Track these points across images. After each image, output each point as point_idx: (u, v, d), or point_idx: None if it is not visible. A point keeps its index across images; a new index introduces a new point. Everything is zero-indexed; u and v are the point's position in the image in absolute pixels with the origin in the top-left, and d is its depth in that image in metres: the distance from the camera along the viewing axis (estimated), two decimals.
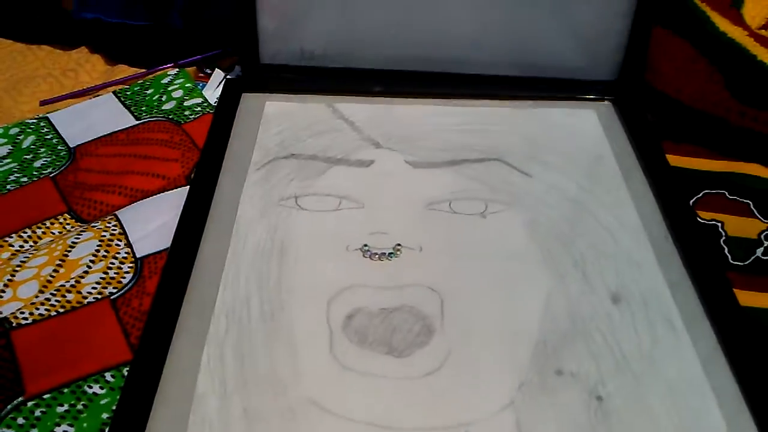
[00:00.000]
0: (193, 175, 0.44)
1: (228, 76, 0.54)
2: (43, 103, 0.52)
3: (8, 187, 0.44)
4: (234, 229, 0.40)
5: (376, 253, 0.39)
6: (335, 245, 0.40)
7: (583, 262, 0.39)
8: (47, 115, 0.49)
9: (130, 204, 0.42)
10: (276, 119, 0.49)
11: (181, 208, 0.39)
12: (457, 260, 0.39)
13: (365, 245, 0.39)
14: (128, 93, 0.52)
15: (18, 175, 0.44)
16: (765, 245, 0.40)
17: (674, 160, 0.46)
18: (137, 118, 0.49)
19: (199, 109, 0.50)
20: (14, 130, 0.48)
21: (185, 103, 0.51)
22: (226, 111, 0.49)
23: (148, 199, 0.43)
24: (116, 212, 0.41)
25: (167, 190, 0.43)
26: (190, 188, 0.42)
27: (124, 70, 0.55)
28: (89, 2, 0.57)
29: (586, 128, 0.49)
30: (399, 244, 0.40)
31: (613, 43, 0.51)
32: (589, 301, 0.37)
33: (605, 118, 0.50)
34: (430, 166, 0.45)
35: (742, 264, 0.40)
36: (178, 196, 0.42)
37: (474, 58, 0.52)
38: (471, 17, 0.51)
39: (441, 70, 0.52)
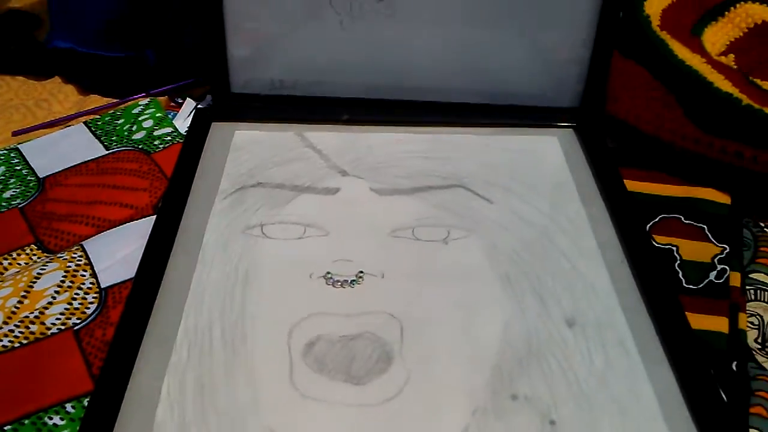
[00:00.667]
0: (160, 205, 0.45)
1: (199, 106, 0.55)
2: (16, 133, 0.52)
3: None
4: (199, 258, 0.41)
5: (339, 281, 0.40)
6: (299, 273, 0.40)
7: (541, 286, 0.40)
8: (17, 145, 0.50)
9: (97, 234, 0.43)
10: (245, 148, 0.50)
11: (143, 241, 0.40)
12: (418, 286, 0.40)
13: (328, 273, 0.40)
14: (99, 123, 0.52)
15: None
16: (718, 269, 0.41)
17: (633, 185, 0.47)
18: (107, 148, 0.50)
19: (168, 138, 0.51)
20: None
21: (155, 133, 0.51)
22: (195, 140, 0.50)
23: (114, 228, 0.43)
24: (82, 242, 0.42)
25: (134, 220, 0.44)
26: (156, 217, 0.42)
27: (97, 100, 0.56)
28: (62, 32, 0.58)
29: (548, 154, 0.50)
30: (362, 271, 0.40)
31: (575, 70, 0.53)
32: (545, 326, 0.37)
33: (567, 144, 0.51)
34: (394, 193, 0.46)
35: (695, 287, 0.41)
36: (146, 225, 0.43)
37: (439, 86, 0.53)
38: (436, 46, 0.52)
39: (407, 98, 0.54)
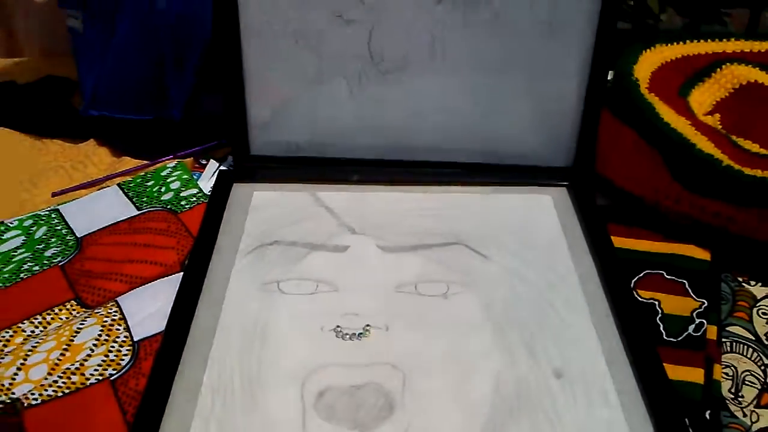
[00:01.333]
0: (186, 262, 0.49)
1: (221, 167, 0.60)
2: (55, 194, 0.58)
3: (21, 275, 0.49)
4: (222, 312, 0.45)
5: (347, 334, 0.44)
6: (311, 326, 0.44)
7: (532, 339, 0.43)
8: (57, 207, 0.55)
9: (130, 290, 0.47)
10: (263, 208, 0.54)
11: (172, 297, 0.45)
12: (420, 339, 0.44)
13: (338, 326, 0.44)
14: (131, 185, 0.57)
15: (31, 264, 0.50)
16: (696, 322, 0.45)
17: (619, 241, 0.51)
18: (138, 209, 0.55)
19: (194, 199, 0.56)
20: (28, 222, 0.53)
21: (182, 194, 0.56)
22: (217, 201, 0.54)
23: (146, 285, 0.48)
24: (117, 298, 0.46)
25: (164, 277, 0.48)
26: (183, 275, 0.47)
27: (128, 162, 0.61)
28: (97, 101, 0.63)
29: (542, 212, 0.54)
30: (368, 325, 0.44)
31: (568, 131, 0.57)
32: (534, 377, 0.41)
33: (560, 202, 0.55)
34: (399, 250, 0.50)
35: (675, 340, 0.44)
36: (174, 281, 0.48)
37: (441, 147, 0.58)
38: (437, 111, 0.57)
39: (410, 159, 0.58)
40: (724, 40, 0.72)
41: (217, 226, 0.52)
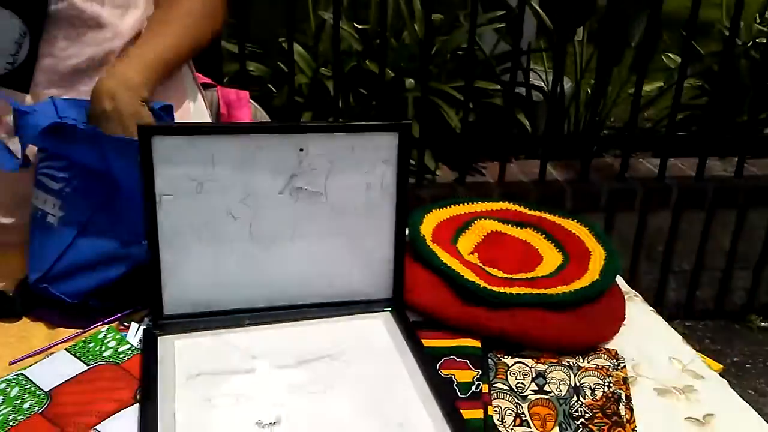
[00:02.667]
0: (138, 396, 0.69)
1: (144, 327, 0.81)
2: (12, 363, 0.74)
3: (11, 423, 0.65)
4: (175, 429, 0.66)
5: (265, 424, 0.67)
6: (240, 424, 0.67)
7: (383, 406, 0.70)
8: (21, 371, 0.72)
9: (101, 422, 0.66)
10: (185, 351, 0.76)
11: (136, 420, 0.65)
12: (311, 423, 0.68)
13: (259, 420, 0.67)
14: (76, 348, 0.76)
15: (14, 415, 0.66)
16: (476, 383, 0.74)
17: (427, 342, 0.80)
18: (87, 365, 0.74)
19: (129, 352, 0.76)
20: (2, 386, 0.70)
21: (119, 350, 0.76)
22: (149, 350, 0.75)
23: (111, 416, 0.67)
24: (96, 426, 0.65)
25: (123, 408, 0.68)
26: (139, 406, 0.67)
27: (64, 332, 0.80)
28: (58, 280, 0.81)
29: (375, 330, 0.82)
30: (273, 422, 0.68)
31: (387, 274, 0.87)
32: (386, 427, 0.67)
33: (387, 322, 0.84)
34: (287, 367, 0.75)
35: (465, 396, 0.73)
36: (132, 412, 0.67)
37: (303, 294, 0.84)
38: (300, 269, 0.84)
39: (283, 303, 0.84)
40: (476, 203, 1.09)
41: (155, 368, 0.73)
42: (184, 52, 0.93)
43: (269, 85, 2.41)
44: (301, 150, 0.80)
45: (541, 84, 2.68)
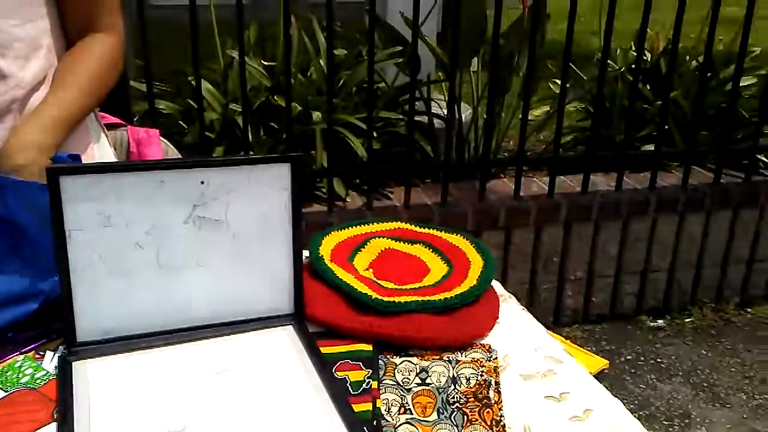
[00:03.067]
0: (56, 417, 0.75)
1: (57, 354, 0.86)
2: None
3: None
4: None
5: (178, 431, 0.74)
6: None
7: (284, 406, 0.78)
8: None
9: None
10: (98, 373, 0.83)
11: None
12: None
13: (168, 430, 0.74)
14: None
15: None
16: (367, 381, 0.84)
17: (324, 349, 0.89)
18: (5, 391, 0.79)
19: (45, 377, 0.82)
20: None
21: (35, 376, 0.82)
22: (64, 374, 0.81)
23: None
24: None
25: (41, 428, 0.74)
26: (57, 424, 0.73)
27: None
28: None
29: (281, 341, 0.91)
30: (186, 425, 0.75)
31: (288, 291, 0.96)
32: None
33: (290, 334, 0.93)
34: (205, 376, 0.83)
35: (357, 392, 0.83)
36: (52, 428, 0.73)
37: (209, 315, 0.92)
38: (207, 292, 0.92)
39: (191, 325, 0.92)
40: (372, 224, 1.20)
41: (70, 390, 0.79)
42: (92, 102, 1.00)
43: (181, 122, 2.47)
44: (202, 182, 0.88)
45: (442, 112, 2.86)
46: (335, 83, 2.56)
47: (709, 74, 2.80)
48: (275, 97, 2.44)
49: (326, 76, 2.19)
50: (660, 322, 2.50)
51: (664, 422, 1.92)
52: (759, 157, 2.52)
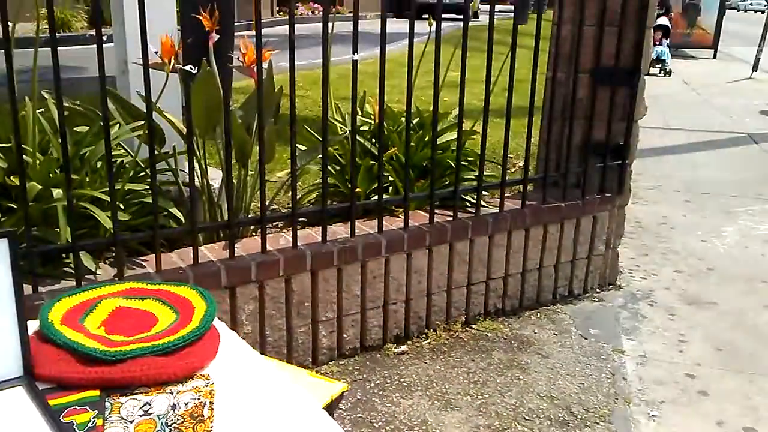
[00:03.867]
0: None
1: None
2: None
3: None
4: None
5: None
6: None
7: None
8: None
9: None
10: None
11: None
12: None
13: None
14: None
15: None
16: (92, 421, 0.97)
17: (54, 401, 1.00)
18: None
19: None
20: None
21: None
22: None
23: None
24: None
25: None
26: None
27: None
28: None
29: (9, 402, 1.00)
30: None
31: (18, 355, 1.05)
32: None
33: (20, 394, 1.02)
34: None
35: None
36: None
37: None
38: None
39: None
40: (104, 287, 1.32)
41: None
42: None
43: None
44: None
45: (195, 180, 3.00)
46: (78, 159, 2.60)
47: (420, 132, 3.33)
48: (11, 178, 2.41)
49: (62, 151, 2.22)
50: (403, 347, 2.85)
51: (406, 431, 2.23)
52: (463, 197, 3.04)
